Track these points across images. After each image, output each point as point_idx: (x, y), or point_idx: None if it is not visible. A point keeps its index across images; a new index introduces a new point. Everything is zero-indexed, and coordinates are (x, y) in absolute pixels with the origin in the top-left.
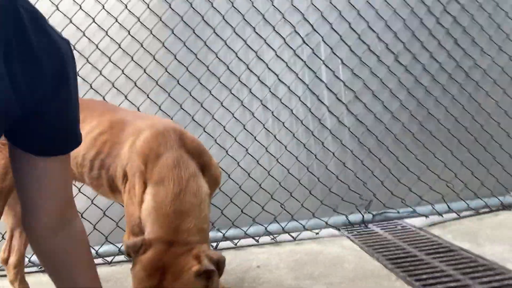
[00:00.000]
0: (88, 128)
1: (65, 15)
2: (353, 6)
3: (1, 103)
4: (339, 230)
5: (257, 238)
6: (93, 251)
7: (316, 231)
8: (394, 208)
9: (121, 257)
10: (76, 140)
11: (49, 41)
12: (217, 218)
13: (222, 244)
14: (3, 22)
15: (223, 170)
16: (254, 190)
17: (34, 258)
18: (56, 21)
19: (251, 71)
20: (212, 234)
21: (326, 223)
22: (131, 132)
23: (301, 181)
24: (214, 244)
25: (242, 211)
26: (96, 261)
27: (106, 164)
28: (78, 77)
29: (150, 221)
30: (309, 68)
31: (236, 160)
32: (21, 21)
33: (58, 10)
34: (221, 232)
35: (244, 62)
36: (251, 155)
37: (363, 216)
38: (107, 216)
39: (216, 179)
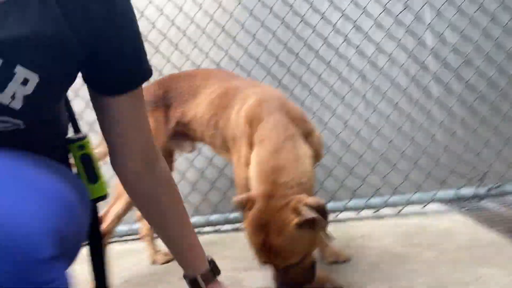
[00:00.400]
0: (209, 91)
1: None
2: None
3: (66, 44)
4: (448, 204)
5: (357, 212)
6: (204, 219)
7: (422, 205)
8: None
9: (229, 226)
10: (141, 73)
11: None
12: (316, 191)
13: None
14: None
15: (325, 145)
16: (354, 163)
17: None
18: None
19: (349, 43)
20: None
21: (434, 197)
22: (241, 98)
23: (404, 152)
24: None
25: (342, 183)
26: (206, 228)
27: (220, 125)
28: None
29: (253, 179)
30: (413, 34)
31: (334, 133)
32: None
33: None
34: None
35: (341, 34)
36: (350, 127)
37: (476, 190)
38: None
39: (318, 148)
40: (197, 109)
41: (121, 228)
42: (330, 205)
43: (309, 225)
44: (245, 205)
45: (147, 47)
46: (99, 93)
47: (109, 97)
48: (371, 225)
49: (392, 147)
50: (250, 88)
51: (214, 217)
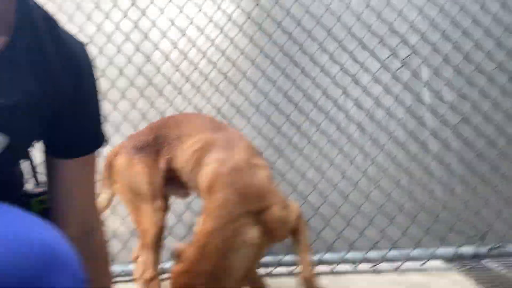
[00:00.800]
0: (192, 141)
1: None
2: (457, 25)
3: (38, 111)
4: (447, 262)
5: (355, 265)
6: None
7: (421, 261)
8: None
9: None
10: (96, 142)
11: (66, 52)
12: (313, 241)
13: (319, 268)
14: (23, 34)
15: (321, 192)
16: (352, 214)
17: None
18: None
19: (347, 95)
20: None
21: (433, 254)
22: (208, 160)
23: (403, 207)
24: None
25: (339, 235)
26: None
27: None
28: None
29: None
30: (410, 90)
31: (332, 183)
32: (38, 32)
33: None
34: (318, 254)
35: (340, 87)
36: (348, 178)
37: (477, 249)
38: None
39: (275, 225)
40: (182, 157)
41: (115, 268)
42: (327, 256)
43: None
44: (177, 256)
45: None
46: (53, 155)
47: (62, 159)
48: (368, 280)
49: (390, 200)
50: (221, 150)
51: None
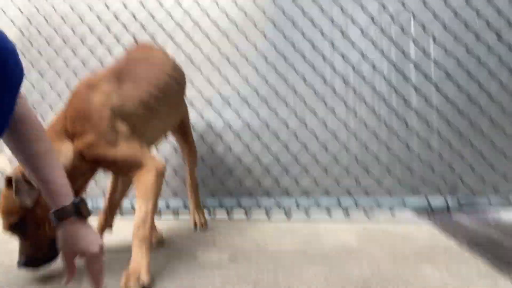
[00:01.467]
0: None
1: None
2: None
3: None
4: (419, 214)
5: (329, 210)
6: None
7: (393, 211)
8: (485, 195)
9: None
10: None
11: None
12: (289, 186)
13: (296, 215)
14: None
15: (303, 141)
16: (331, 163)
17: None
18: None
19: (334, 48)
20: (286, 200)
21: (404, 203)
22: None
23: (379, 158)
24: (287, 209)
25: (316, 182)
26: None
27: None
28: None
29: None
30: (396, 46)
31: (314, 134)
32: None
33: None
34: (294, 198)
35: (327, 40)
36: (330, 130)
37: (446, 201)
38: None
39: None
40: None
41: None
42: (303, 201)
43: (10, 185)
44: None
45: None
46: None
47: None
48: (341, 228)
49: (368, 152)
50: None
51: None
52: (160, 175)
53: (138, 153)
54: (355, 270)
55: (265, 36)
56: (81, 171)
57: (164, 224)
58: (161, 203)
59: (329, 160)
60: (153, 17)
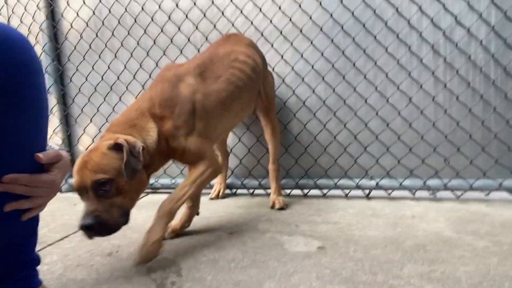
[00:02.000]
0: None
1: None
2: None
3: None
4: None
5: (413, 191)
6: (238, 182)
7: (486, 192)
8: None
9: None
10: None
11: None
12: (371, 167)
13: (375, 193)
14: None
15: (383, 118)
16: (415, 141)
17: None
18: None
19: (423, 12)
20: (365, 181)
21: (500, 185)
22: None
23: (472, 136)
24: (367, 191)
25: (399, 161)
26: (258, 191)
27: None
28: None
29: None
30: (497, 6)
31: (397, 109)
32: None
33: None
34: (374, 180)
35: (416, 3)
36: (415, 104)
37: None
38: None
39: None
40: None
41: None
42: (385, 181)
43: (118, 149)
44: None
45: None
46: None
47: None
48: (425, 206)
49: (458, 129)
50: None
51: (265, 181)
52: (213, 173)
53: (205, 150)
54: (461, 269)
55: (342, 2)
56: (160, 153)
57: (241, 201)
58: (235, 181)
59: (414, 137)
60: None
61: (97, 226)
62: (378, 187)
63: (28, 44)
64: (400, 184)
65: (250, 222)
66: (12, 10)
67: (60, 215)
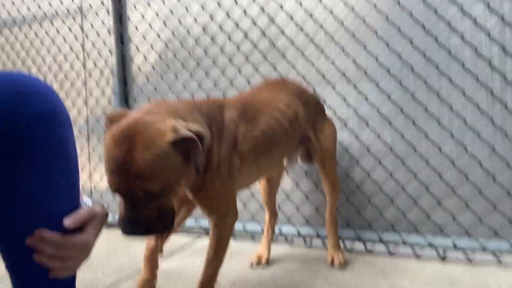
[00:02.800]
0: None
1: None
2: None
3: None
4: None
5: (498, 255)
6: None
7: None
8: None
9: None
10: None
11: None
12: (446, 223)
13: (451, 255)
14: None
15: (462, 169)
16: (499, 197)
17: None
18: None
19: (506, 53)
20: (439, 240)
21: None
22: None
23: None
24: (441, 251)
25: (480, 219)
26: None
27: None
28: None
29: None
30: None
31: (476, 160)
32: None
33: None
34: (451, 239)
35: (498, 43)
36: (499, 155)
37: None
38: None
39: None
40: None
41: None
42: (463, 242)
43: (183, 147)
44: (115, 119)
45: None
46: None
47: None
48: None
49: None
50: None
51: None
52: (233, 226)
53: (229, 197)
54: None
55: (411, 41)
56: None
57: (298, 257)
58: (291, 230)
59: (498, 192)
60: (283, 32)
61: (143, 232)
62: (455, 247)
63: (50, 95)
64: (482, 246)
65: (306, 282)
66: (87, 55)
67: (116, 257)
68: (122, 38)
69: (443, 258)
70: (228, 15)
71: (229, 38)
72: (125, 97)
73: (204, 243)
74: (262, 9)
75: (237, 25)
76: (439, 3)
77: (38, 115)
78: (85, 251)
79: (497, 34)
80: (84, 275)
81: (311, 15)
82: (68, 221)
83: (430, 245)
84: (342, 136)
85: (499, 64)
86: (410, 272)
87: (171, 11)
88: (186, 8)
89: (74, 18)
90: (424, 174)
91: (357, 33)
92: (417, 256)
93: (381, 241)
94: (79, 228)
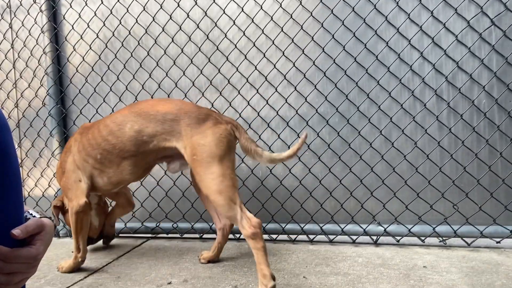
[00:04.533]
0: None
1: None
2: None
3: None
4: None
5: (422, 238)
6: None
7: (497, 239)
8: None
9: (285, 236)
10: None
11: None
12: (378, 212)
13: (383, 239)
14: None
15: (388, 163)
16: (422, 186)
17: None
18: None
19: (425, 58)
20: (372, 227)
21: (511, 231)
22: None
23: (480, 181)
24: (375, 238)
25: (406, 207)
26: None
27: None
28: None
29: None
30: (499, 53)
31: (402, 153)
32: None
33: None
34: (382, 226)
35: (418, 50)
36: (420, 149)
37: None
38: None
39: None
40: None
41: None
42: (393, 228)
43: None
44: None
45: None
46: None
47: None
48: (436, 255)
49: (465, 174)
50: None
51: (269, 226)
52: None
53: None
54: None
55: (344, 48)
56: None
57: (244, 251)
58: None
59: (421, 182)
60: (225, 34)
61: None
62: (386, 233)
63: None
64: (409, 230)
65: (253, 269)
66: (18, 55)
67: (58, 264)
68: (56, 38)
69: (376, 243)
70: (171, 17)
71: (173, 40)
72: (61, 99)
73: (152, 245)
74: (205, 13)
75: (180, 27)
76: (369, 13)
77: None
78: (33, 265)
79: (417, 43)
80: None
81: (252, 18)
82: (17, 231)
83: (365, 233)
84: (285, 134)
85: (419, 69)
86: (348, 257)
87: (111, 11)
88: (127, 9)
89: (1, 15)
90: (357, 166)
91: (296, 38)
92: (354, 242)
93: (322, 232)
94: (27, 241)
